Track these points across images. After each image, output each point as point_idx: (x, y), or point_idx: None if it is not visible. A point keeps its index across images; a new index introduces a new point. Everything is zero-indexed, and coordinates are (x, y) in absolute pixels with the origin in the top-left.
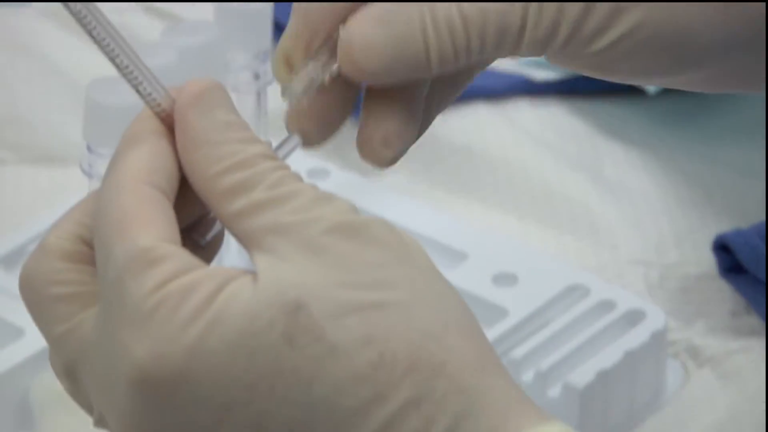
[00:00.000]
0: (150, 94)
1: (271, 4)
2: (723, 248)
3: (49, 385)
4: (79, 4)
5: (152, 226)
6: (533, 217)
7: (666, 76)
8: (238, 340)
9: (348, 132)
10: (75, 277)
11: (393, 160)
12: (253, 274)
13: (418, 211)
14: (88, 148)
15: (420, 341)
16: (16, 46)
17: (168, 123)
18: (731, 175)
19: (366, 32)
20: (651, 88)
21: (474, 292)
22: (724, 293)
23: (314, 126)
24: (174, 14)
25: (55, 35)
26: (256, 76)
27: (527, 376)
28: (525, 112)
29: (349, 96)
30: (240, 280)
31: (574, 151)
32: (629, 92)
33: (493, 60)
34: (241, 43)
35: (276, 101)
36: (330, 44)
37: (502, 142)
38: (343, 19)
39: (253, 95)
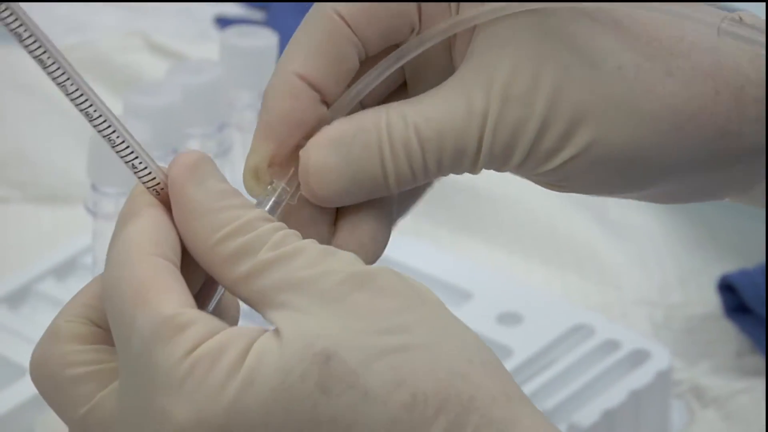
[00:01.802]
0: (145, 168)
1: (276, 45)
2: (728, 288)
3: (52, 424)
4: (70, 81)
5: (171, 294)
6: (538, 257)
7: (622, 193)
8: (273, 395)
9: None
10: (90, 357)
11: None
12: (272, 330)
13: (422, 250)
14: (93, 187)
15: (447, 379)
16: (20, 85)
17: (161, 198)
18: (736, 216)
19: (321, 159)
20: None
21: (479, 331)
22: (728, 333)
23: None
24: (179, 53)
25: None
26: None
27: None
28: None
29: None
30: (265, 337)
31: None
32: None
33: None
34: (246, 81)
35: None
36: (295, 162)
37: (506, 182)
38: (308, 134)
39: None
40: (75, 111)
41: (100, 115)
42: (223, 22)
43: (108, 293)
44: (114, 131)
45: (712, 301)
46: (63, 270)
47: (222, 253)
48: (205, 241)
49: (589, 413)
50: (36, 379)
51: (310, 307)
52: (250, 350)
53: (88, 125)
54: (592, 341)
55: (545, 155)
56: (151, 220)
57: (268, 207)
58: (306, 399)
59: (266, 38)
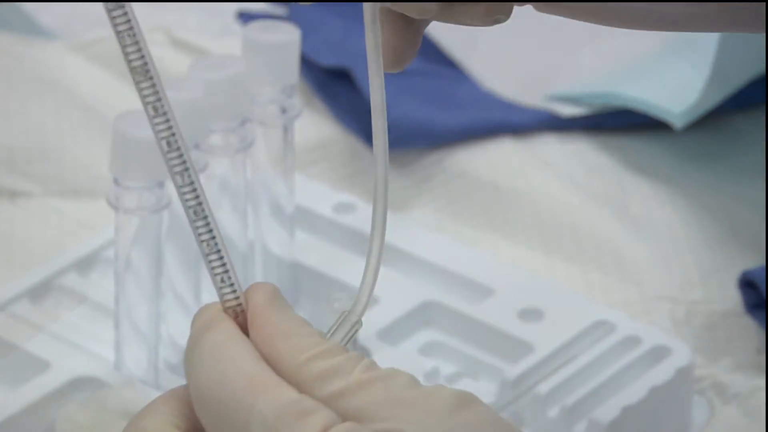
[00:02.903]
0: (232, 285)
1: (299, 40)
2: (749, 285)
3: (74, 417)
4: (192, 202)
5: (288, 386)
6: (559, 253)
7: None
8: None
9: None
10: None
11: None
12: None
13: (444, 246)
14: (115, 182)
15: None
16: (44, 79)
17: (237, 320)
18: (757, 212)
19: None
20: (678, 123)
21: (500, 327)
22: (750, 330)
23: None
24: (201, 48)
25: (83, 69)
26: (283, 110)
27: (552, 412)
28: (551, 148)
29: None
30: None
31: (600, 186)
32: (656, 128)
33: None
34: (268, 76)
35: (302, 135)
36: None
37: (528, 178)
38: None
39: (280, 129)
40: (98, 106)
41: (208, 223)
42: (245, 17)
43: (210, 390)
44: (217, 242)
45: (733, 298)
46: (85, 264)
47: (312, 371)
48: (294, 359)
49: (609, 409)
50: None
51: (422, 419)
52: None
53: (111, 120)
54: (612, 337)
55: None
56: (236, 331)
57: (342, 338)
58: None
59: (289, 33)
